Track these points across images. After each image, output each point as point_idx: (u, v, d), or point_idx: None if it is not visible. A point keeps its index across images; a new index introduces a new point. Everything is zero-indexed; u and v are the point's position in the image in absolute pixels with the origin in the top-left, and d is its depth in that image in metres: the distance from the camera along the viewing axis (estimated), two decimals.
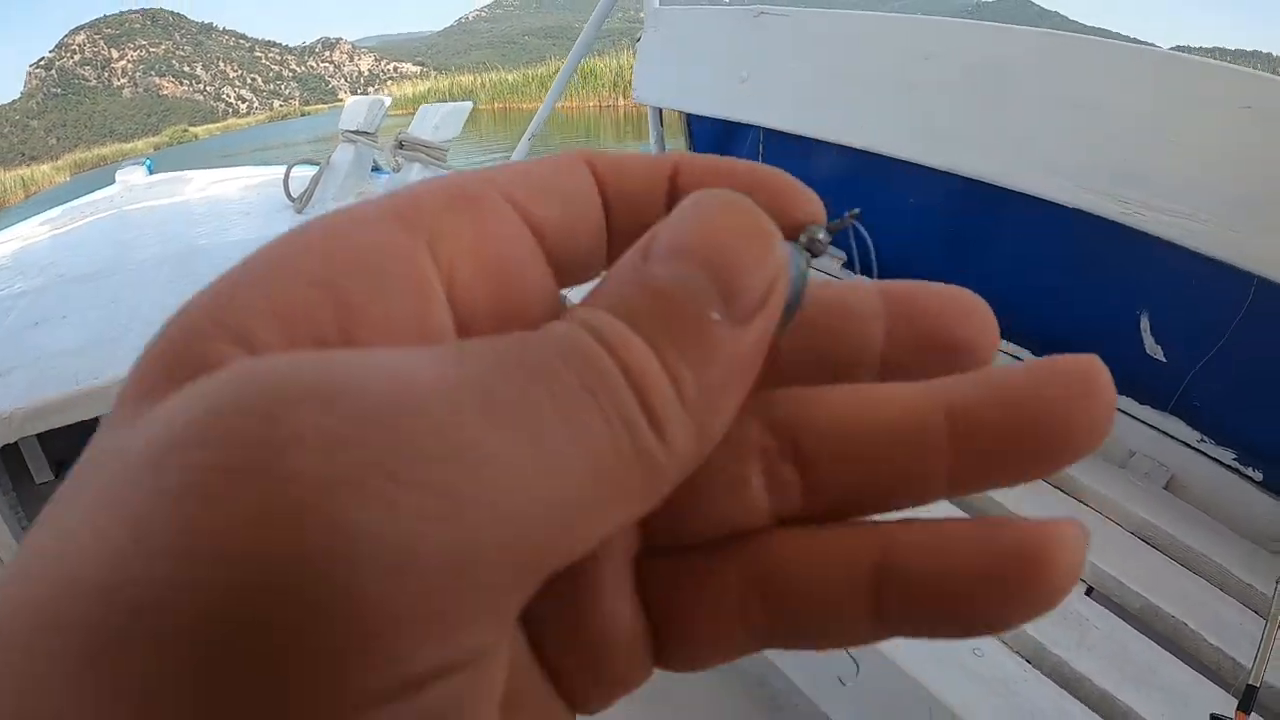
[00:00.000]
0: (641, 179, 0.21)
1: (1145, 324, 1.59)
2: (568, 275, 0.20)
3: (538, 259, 0.19)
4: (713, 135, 2.53)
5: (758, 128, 2.13)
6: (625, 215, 0.21)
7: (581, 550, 0.15)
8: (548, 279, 0.20)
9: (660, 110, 2.53)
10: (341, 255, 0.16)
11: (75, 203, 4.93)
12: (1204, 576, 1.34)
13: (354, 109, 4.13)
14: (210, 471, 0.12)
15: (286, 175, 3.98)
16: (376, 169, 4.30)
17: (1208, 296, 1.49)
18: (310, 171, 4.00)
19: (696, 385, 0.16)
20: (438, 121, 3.76)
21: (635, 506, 0.16)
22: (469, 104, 4.02)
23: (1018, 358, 1.76)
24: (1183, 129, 1.38)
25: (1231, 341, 1.48)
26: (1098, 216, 1.41)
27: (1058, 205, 1.45)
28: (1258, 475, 1.50)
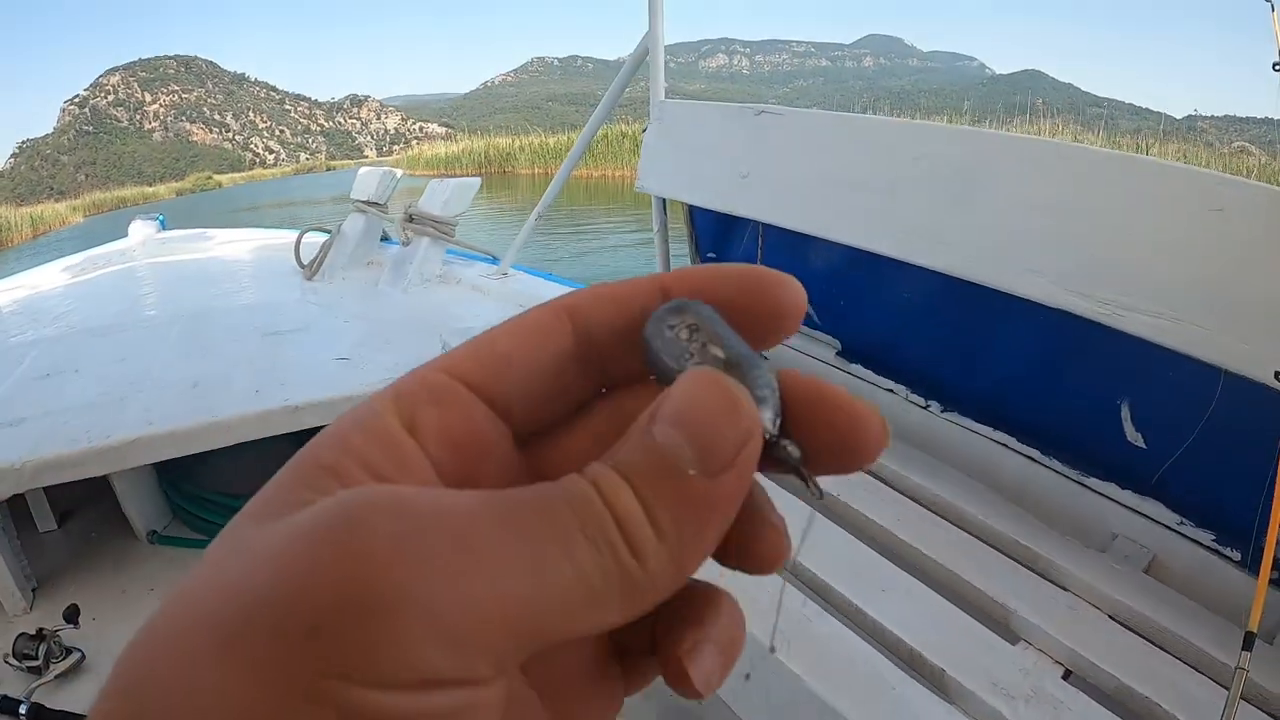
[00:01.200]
0: (619, 312, 0.27)
1: (1126, 413, 1.66)
2: (543, 411, 0.28)
3: (492, 423, 0.27)
4: (714, 227, 2.61)
5: (757, 222, 2.20)
6: (611, 341, 0.27)
7: (574, 635, 0.21)
8: (502, 437, 0.27)
9: (665, 199, 2.58)
10: (371, 432, 0.25)
11: (90, 253, 5.03)
12: (1180, 657, 1.38)
13: (365, 179, 4.23)
14: (325, 552, 0.20)
15: (298, 242, 4.08)
16: (386, 239, 4.38)
17: (1183, 387, 1.55)
18: (321, 238, 4.10)
19: (673, 524, 0.22)
20: (447, 197, 3.87)
21: (619, 613, 0.22)
22: (477, 180, 4.11)
23: (1004, 444, 1.84)
24: (1156, 231, 1.44)
25: (1206, 429, 1.53)
26: (1072, 313, 1.48)
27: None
28: (1236, 555, 1.56)
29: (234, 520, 0.23)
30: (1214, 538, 1.59)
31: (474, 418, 0.26)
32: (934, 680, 1.29)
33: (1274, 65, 1.66)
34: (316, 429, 2.37)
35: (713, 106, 2.20)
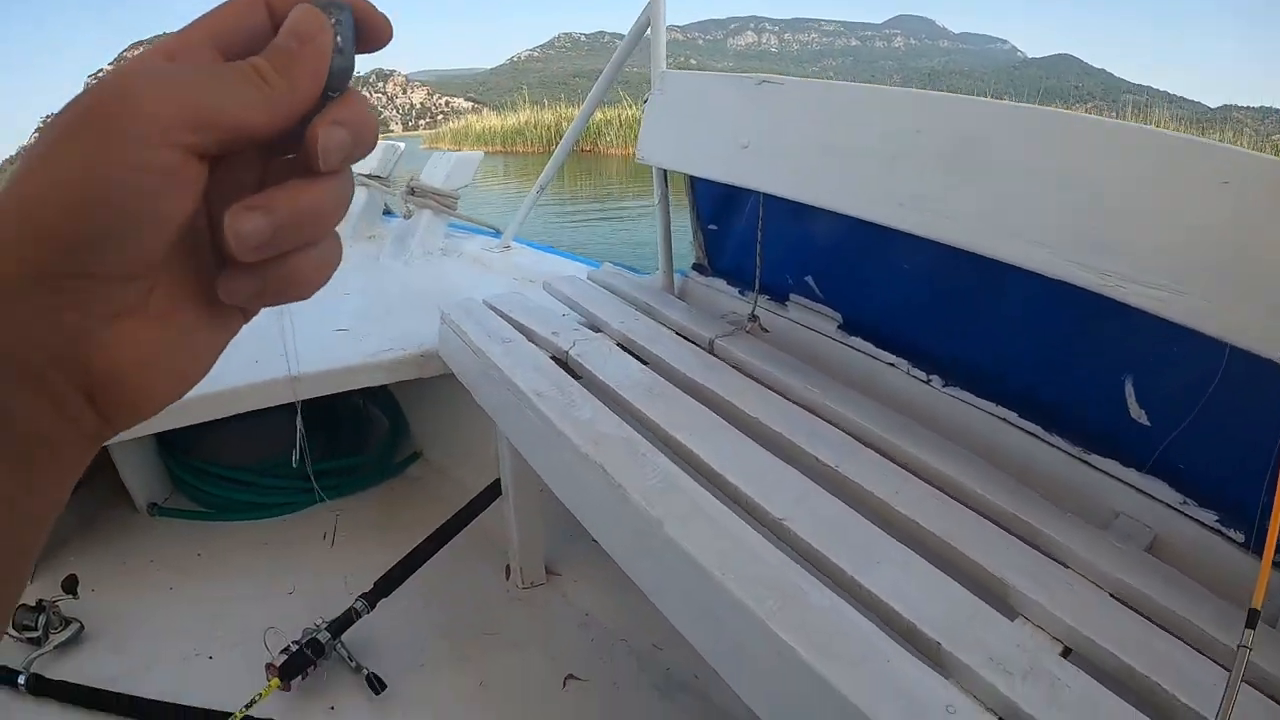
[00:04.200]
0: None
1: (1129, 389, 1.62)
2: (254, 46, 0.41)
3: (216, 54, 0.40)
4: (714, 196, 2.58)
5: (758, 193, 2.17)
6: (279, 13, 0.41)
7: (242, 130, 0.36)
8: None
9: (665, 170, 2.56)
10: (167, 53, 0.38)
11: None
12: (1182, 638, 1.34)
13: None
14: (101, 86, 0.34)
15: None
16: (388, 213, 4.40)
17: (1186, 362, 1.52)
18: None
19: (284, 67, 0.37)
20: (449, 169, 3.90)
21: (266, 114, 0.37)
22: (480, 154, 4.15)
23: (1005, 420, 1.82)
24: (1162, 203, 1.40)
25: (1209, 406, 1.50)
26: (1072, 285, 1.44)
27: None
28: (1239, 537, 1.52)
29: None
30: (1217, 518, 1.55)
31: (207, 53, 0.40)
32: (930, 654, 1.26)
33: None
34: (316, 399, 2.38)
35: (714, 77, 2.17)
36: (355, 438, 3.42)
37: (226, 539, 2.87)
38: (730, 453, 1.69)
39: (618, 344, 2.25)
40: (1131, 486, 1.65)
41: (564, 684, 2.24)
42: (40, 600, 2.25)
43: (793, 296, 2.39)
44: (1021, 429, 1.79)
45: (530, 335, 2.29)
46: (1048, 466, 1.74)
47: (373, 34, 0.42)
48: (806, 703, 1.23)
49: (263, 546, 2.84)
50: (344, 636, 2.20)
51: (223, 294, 0.40)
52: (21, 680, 2.09)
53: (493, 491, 2.56)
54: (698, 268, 2.80)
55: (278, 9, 0.40)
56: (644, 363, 2.13)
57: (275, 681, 2.02)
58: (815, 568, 1.41)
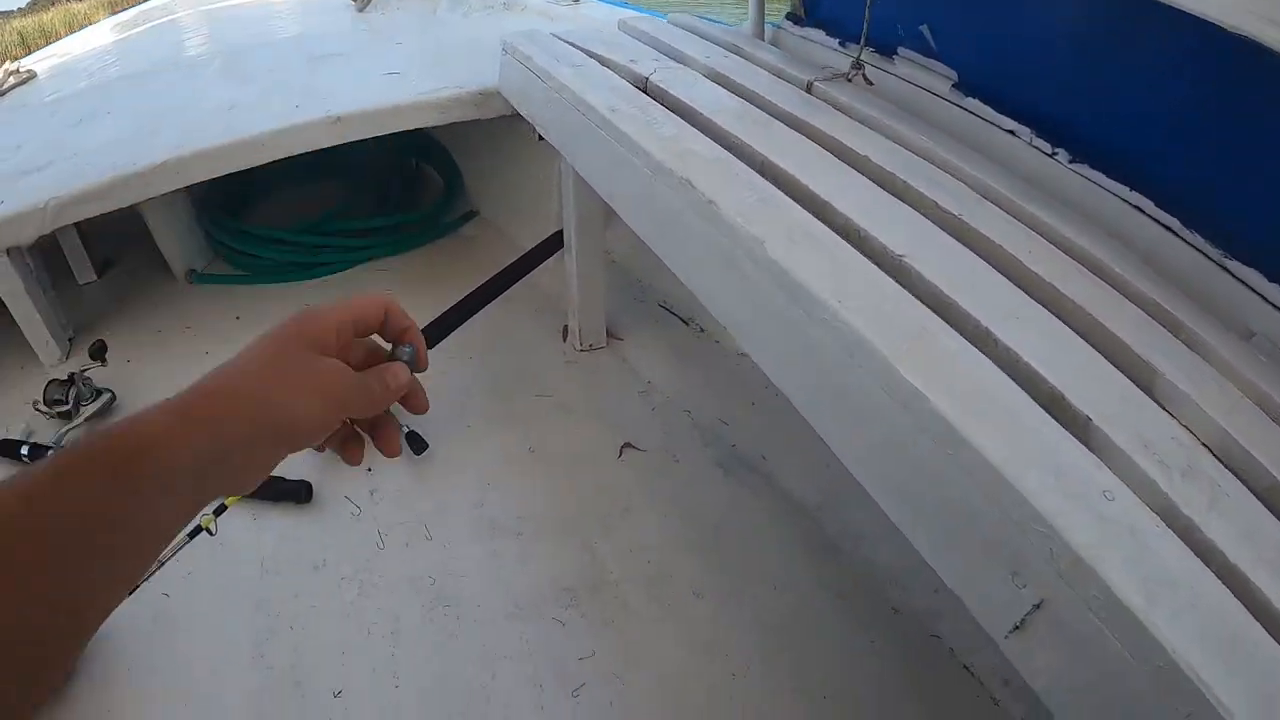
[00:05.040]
0: (395, 313, 0.79)
1: None
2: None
3: (352, 336, 0.77)
4: None
5: None
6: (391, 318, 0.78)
7: (358, 412, 0.77)
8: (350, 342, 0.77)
9: None
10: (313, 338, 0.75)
11: (137, 9, 4.98)
12: None
13: None
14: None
15: None
16: None
17: None
18: None
19: (383, 391, 0.76)
20: None
21: (371, 408, 0.77)
22: None
23: (1139, 208, 1.57)
24: None
25: None
26: (1256, 43, 1.19)
27: (1210, 25, 1.24)
28: None
29: (285, 335, 0.74)
30: None
31: (346, 335, 0.73)
32: (1078, 429, 1.03)
33: None
34: (359, 143, 2.49)
35: None
36: (407, 196, 3.31)
37: (267, 302, 2.81)
38: (837, 184, 1.43)
39: (704, 75, 1.98)
40: (1273, 305, 1.41)
41: (619, 453, 2.14)
42: (71, 374, 2.23)
43: (901, 50, 2.08)
44: (1156, 220, 1.55)
45: (605, 62, 2.02)
46: (1181, 267, 1.50)
47: (420, 364, 0.78)
48: (934, 466, 1.01)
49: (304, 309, 2.76)
50: None
51: (383, 451, 0.80)
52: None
53: (553, 244, 2.38)
54: (791, 17, 2.50)
55: (391, 312, 0.76)
56: (734, 95, 1.87)
57: None
58: (941, 314, 1.17)
